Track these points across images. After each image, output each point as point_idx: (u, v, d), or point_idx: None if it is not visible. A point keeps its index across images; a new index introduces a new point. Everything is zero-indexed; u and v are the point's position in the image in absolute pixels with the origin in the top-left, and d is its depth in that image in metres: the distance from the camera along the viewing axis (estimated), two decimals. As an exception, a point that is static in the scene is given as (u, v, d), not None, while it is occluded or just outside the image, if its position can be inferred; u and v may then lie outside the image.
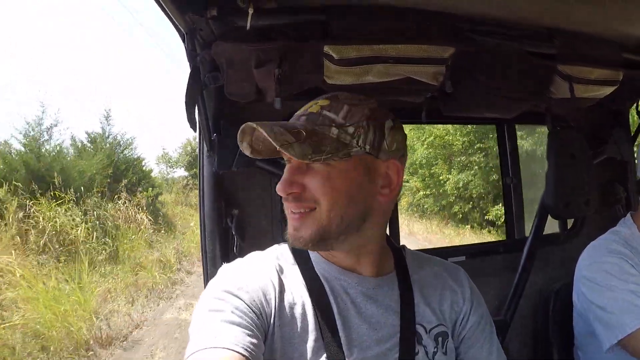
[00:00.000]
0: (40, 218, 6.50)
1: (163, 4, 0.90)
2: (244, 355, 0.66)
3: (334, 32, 1.02)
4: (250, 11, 0.89)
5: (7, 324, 3.77)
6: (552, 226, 1.74)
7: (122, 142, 12.17)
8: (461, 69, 1.14)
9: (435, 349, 0.84)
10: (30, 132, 8.96)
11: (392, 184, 0.84)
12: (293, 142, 0.74)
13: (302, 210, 0.79)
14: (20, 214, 6.45)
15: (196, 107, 1.15)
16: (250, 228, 1.39)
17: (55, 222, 6.58)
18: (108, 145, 11.50)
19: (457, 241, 11.22)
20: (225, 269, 0.84)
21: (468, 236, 11.63)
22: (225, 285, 0.78)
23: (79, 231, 6.75)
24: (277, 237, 1.41)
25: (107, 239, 7.11)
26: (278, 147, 0.73)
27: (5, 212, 6.30)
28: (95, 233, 7.01)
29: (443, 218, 13.58)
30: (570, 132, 1.52)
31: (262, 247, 0.94)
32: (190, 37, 1.04)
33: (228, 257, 1.30)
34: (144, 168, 13.03)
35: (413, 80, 1.11)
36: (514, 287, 1.61)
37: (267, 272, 0.83)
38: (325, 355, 0.76)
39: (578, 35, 1.25)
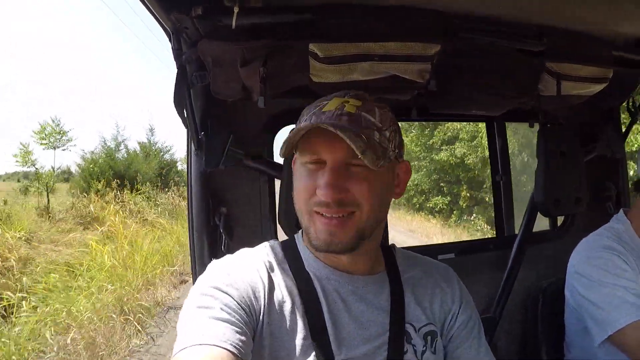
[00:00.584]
0: (132, 203, 11.16)
1: (148, 3, 0.89)
2: (232, 352, 0.65)
3: (320, 31, 1.02)
4: (236, 10, 0.88)
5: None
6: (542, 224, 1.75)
7: (162, 148, 17.28)
8: (448, 67, 1.14)
9: (424, 348, 0.84)
10: (106, 144, 15.01)
11: (401, 183, 0.87)
12: (366, 149, 0.72)
13: (342, 214, 0.76)
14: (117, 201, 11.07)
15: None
16: (238, 226, 1.38)
17: (139, 205, 11.34)
18: (153, 152, 16.55)
19: (409, 220, 15.17)
20: (214, 265, 0.83)
21: (419, 219, 15.54)
22: (214, 281, 0.77)
23: (157, 211, 11.43)
24: (266, 235, 1.41)
25: (169, 217, 11.19)
26: (360, 155, 0.71)
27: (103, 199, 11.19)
28: (165, 213, 11.43)
29: (408, 208, 17.83)
30: (560, 129, 1.52)
31: (250, 245, 0.93)
32: (176, 36, 1.03)
33: (216, 255, 1.30)
34: (179, 168, 17.56)
35: (399, 77, 1.11)
36: (502, 285, 1.61)
37: (257, 269, 0.82)
38: (313, 353, 0.76)
39: (567, 33, 1.24)
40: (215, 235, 1.33)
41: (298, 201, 0.81)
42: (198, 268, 1.31)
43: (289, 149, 0.77)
